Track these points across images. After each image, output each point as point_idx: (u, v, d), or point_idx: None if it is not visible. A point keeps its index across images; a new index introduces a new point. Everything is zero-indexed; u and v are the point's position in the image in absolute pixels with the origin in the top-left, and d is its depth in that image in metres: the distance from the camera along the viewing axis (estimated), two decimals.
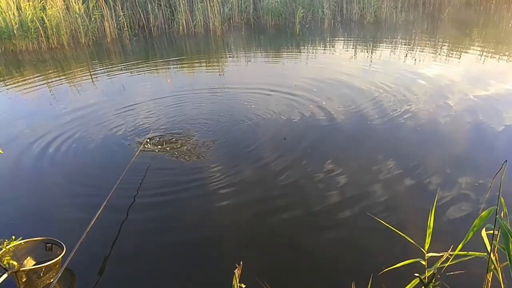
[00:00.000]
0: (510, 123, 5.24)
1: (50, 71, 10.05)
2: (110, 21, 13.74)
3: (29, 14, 12.23)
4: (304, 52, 11.35)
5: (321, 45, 12.35)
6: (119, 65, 10.61)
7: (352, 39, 12.93)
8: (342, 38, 13.16)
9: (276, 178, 4.09)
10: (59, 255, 2.74)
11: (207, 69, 9.98)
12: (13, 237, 2.75)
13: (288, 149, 4.78)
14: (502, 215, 1.99)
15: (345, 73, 8.28)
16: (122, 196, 3.82)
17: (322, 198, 3.66)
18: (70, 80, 9.12)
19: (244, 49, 12.33)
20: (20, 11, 12.39)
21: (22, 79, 9.32)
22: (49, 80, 9.12)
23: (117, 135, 5.44)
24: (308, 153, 4.62)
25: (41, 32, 12.58)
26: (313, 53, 11.22)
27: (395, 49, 10.97)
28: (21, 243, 2.79)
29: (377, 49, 11.12)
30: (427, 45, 11.14)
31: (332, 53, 10.97)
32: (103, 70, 10.06)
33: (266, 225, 3.37)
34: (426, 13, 16.01)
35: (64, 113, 6.56)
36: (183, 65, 10.61)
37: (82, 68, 10.31)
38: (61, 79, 9.19)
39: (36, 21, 12.34)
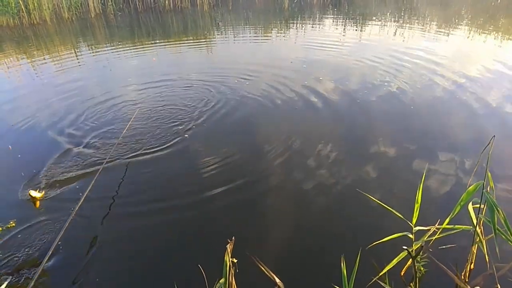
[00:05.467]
0: (499, 99, 5.29)
1: (33, 48, 9.75)
2: None
3: None
4: (293, 28, 11.19)
5: (310, 20, 12.18)
6: (104, 41, 10.35)
7: (342, 14, 12.78)
8: (331, 14, 13.00)
9: (265, 155, 4.08)
10: None
11: (194, 45, 9.78)
12: None
13: (278, 127, 4.76)
14: (488, 189, 2.03)
15: (335, 49, 8.21)
16: (111, 174, 3.79)
17: (313, 175, 3.68)
18: (53, 57, 8.87)
19: (232, 25, 12.09)
20: None
21: (3, 55, 9.05)
22: (32, 57, 8.87)
23: (105, 112, 5.32)
24: (299, 130, 4.61)
25: (22, 7, 12.15)
26: (302, 28, 11.07)
27: (384, 25, 10.88)
28: None
29: (366, 24, 11.02)
30: (417, 21, 11.08)
31: (322, 28, 10.84)
32: (87, 47, 9.80)
33: (257, 201, 3.39)
34: None
35: (49, 89, 6.40)
36: (169, 41, 10.39)
37: (65, 45, 10.03)
38: (44, 56, 8.93)
39: None
